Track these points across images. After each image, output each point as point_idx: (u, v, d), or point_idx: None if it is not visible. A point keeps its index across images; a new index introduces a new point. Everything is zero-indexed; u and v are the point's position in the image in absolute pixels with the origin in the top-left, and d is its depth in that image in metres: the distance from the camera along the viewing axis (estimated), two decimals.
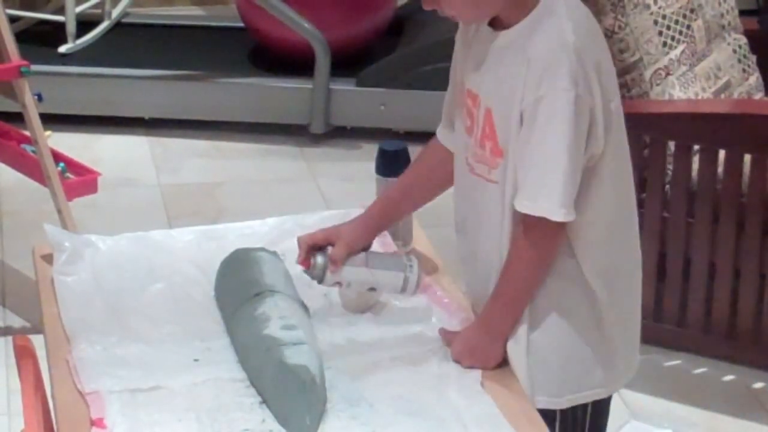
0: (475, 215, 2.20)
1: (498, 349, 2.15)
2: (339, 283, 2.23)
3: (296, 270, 2.39)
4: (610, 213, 2.17)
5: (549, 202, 2.05)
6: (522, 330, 2.15)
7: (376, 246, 2.48)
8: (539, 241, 2.10)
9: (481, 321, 2.17)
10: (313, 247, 2.24)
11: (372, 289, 2.25)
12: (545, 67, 2.02)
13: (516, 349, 2.15)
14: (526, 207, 2.07)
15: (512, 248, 2.12)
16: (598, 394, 2.23)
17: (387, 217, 2.34)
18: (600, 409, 2.26)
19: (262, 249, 2.38)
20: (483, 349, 2.15)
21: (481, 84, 2.12)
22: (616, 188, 2.17)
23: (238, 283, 2.27)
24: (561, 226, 2.08)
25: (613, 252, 2.20)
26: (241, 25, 5.17)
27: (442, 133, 2.31)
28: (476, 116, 2.13)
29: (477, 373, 2.13)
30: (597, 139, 2.07)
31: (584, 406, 2.22)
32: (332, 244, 2.23)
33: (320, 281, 2.23)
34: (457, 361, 2.14)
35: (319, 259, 2.22)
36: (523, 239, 2.10)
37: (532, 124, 2.04)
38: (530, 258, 2.11)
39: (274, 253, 2.38)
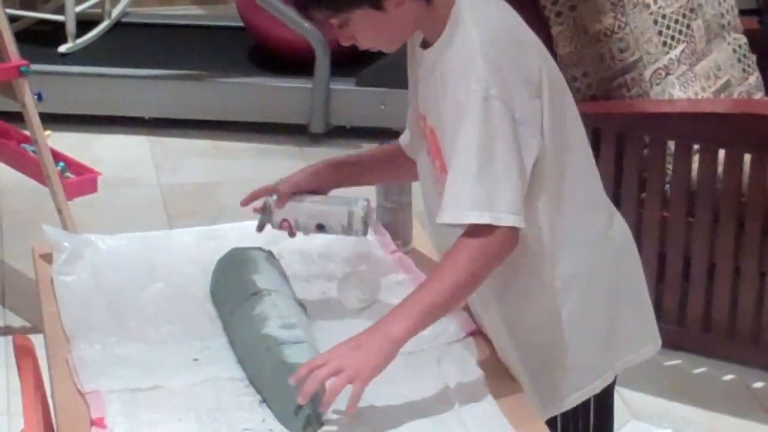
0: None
1: (381, 358, 1.96)
2: (286, 221, 2.31)
3: (292, 269, 2.39)
4: (558, 219, 2.10)
5: (457, 207, 1.98)
6: (505, 339, 2.14)
7: (376, 245, 2.48)
8: (472, 248, 1.99)
9: (379, 321, 2.02)
10: (262, 193, 2.36)
11: (320, 226, 2.30)
12: (455, 76, 1.99)
13: (507, 358, 2.14)
14: (440, 217, 2.00)
15: (446, 255, 2.04)
16: (598, 387, 2.21)
17: (338, 174, 2.41)
18: (603, 402, 2.25)
19: (258, 248, 2.38)
20: (365, 350, 1.96)
21: (424, 105, 2.15)
22: (565, 193, 2.10)
23: (235, 283, 2.27)
24: (493, 232, 1.98)
25: (579, 255, 2.14)
26: (241, 24, 5.17)
27: (403, 140, 2.35)
28: (427, 136, 2.13)
29: (479, 373, 2.13)
30: (527, 141, 2.01)
31: (585, 402, 2.21)
32: (279, 187, 2.34)
33: (268, 221, 2.33)
34: (320, 364, 1.95)
35: (268, 200, 2.33)
36: (457, 246, 2.01)
37: (449, 133, 2.01)
38: (459, 262, 2.00)
39: (270, 253, 2.38)
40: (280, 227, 2.35)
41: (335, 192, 2.38)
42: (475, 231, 1.98)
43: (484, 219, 1.97)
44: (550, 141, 2.04)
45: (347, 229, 2.30)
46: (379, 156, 2.41)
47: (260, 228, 2.38)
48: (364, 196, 2.33)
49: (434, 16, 2.05)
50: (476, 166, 1.97)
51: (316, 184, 2.38)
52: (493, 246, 1.99)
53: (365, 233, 2.31)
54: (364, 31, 2.10)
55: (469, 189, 1.98)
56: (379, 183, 2.47)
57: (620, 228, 2.24)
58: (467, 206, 1.98)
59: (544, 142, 2.03)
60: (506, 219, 1.97)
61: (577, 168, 2.14)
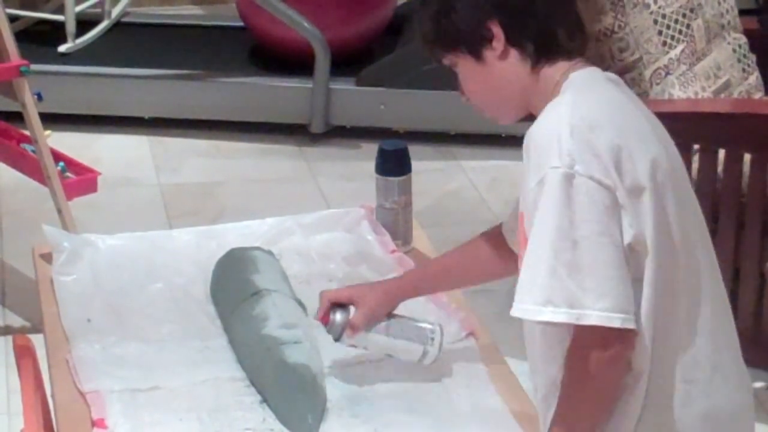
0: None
1: None
2: (355, 346, 2.13)
3: (292, 269, 2.39)
4: (653, 328, 1.83)
5: (531, 300, 1.78)
6: None
7: (376, 245, 2.48)
8: (579, 354, 1.80)
9: None
10: (335, 304, 2.11)
11: (389, 355, 2.13)
12: (540, 152, 1.80)
13: None
14: (513, 309, 1.81)
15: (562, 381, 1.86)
16: None
17: (419, 289, 2.19)
18: None
19: (258, 248, 2.38)
20: None
21: (520, 190, 1.95)
22: (659, 298, 1.83)
23: (235, 283, 2.27)
24: (602, 335, 1.76)
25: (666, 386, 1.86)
26: (241, 24, 5.17)
27: (506, 225, 2.14)
28: (519, 226, 1.94)
29: (481, 372, 2.13)
30: (625, 228, 1.79)
31: None
32: (355, 305, 2.10)
33: (336, 339, 2.13)
34: None
35: (338, 317, 2.11)
36: (569, 355, 1.82)
37: (531, 218, 1.83)
38: (577, 375, 1.81)
39: (270, 252, 2.38)
40: (348, 346, 2.15)
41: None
42: (585, 337, 1.79)
43: (559, 317, 1.76)
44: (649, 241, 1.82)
45: (417, 361, 2.12)
46: (469, 260, 2.18)
47: (336, 340, 2.14)
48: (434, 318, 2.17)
49: (541, 90, 1.90)
50: (553, 255, 1.76)
51: (393, 306, 2.13)
52: (601, 350, 1.78)
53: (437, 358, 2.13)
54: (467, 82, 1.96)
55: (544, 280, 1.77)
56: (472, 286, 2.26)
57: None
58: (539, 300, 1.77)
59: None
60: (593, 317, 1.75)
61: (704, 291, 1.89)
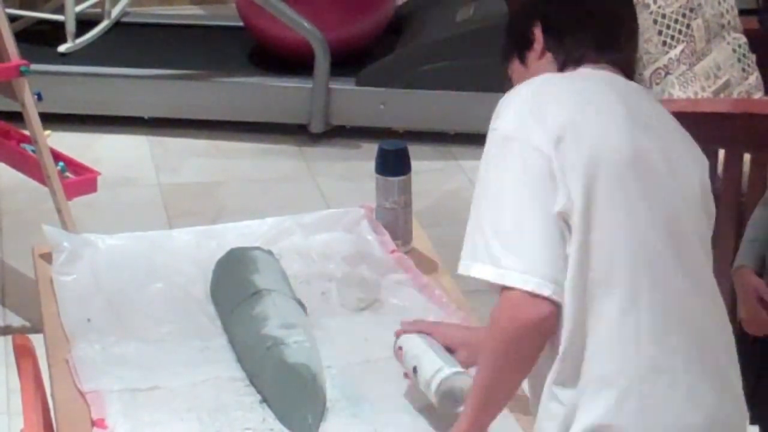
0: None
1: None
2: (401, 348, 2.07)
3: (292, 269, 2.39)
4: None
5: (465, 255, 1.81)
6: None
7: (375, 245, 2.48)
8: (496, 316, 1.79)
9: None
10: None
11: (415, 369, 2.03)
12: (494, 114, 1.88)
13: None
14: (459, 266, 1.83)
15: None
16: None
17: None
18: None
19: (257, 248, 2.38)
20: None
21: None
22: (580, 279, 1.79)
23: (235, 283, 2.27)
24: (513, 295, 1.75)
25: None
26: (241, 24, 5.17)
27: None
28: None
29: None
30: (557, 198, 1.78)
31: None
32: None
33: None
34: None
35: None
36: (491, 311, 1.81)
37: None
38: (492, 336, 1.80)
39: (269, 252, 2.38)
40: (395, 352, 2.10)
41: None
42: (502, 296, 1.78)
43: (487, 273, 1.78)
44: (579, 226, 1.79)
45: (431, 377, 2.00)
46: None
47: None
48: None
49: None
50: (482, 214, 1.81)
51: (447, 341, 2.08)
52: (512, 311, 1.76)
53: (440, 405, 1.99)
54: (515, 82, 1.99)
55: (478, 238, 1.80)
56: None
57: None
58: (469, 256, 1.81)
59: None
60: (514, 279, 1.76)
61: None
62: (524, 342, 1.78)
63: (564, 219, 1.78)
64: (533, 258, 1.76)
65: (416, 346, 2.05)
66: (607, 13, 2.00)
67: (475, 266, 1.79)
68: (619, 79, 1.95)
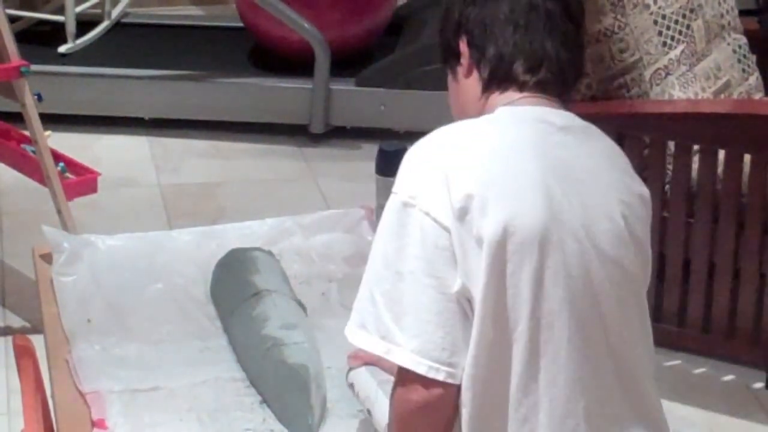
0: None
1: None
2: (351, 384, 2.04)
3: (292, 270, 2.39)
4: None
5: (352, 320, 1.74)
6: None
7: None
8: (392, 395, 1.75)
9: None
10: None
11: (369, 412, 1.98)
12: (399, 171, 1.79)
13: None
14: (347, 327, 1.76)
15: None
16: None
17: None
18: None
19: (258, 249, 2.38)
20: None
21: None
22: (480, 359, 1.69)
23: (235, 283, 2.27)
24: (410, 377, 1.68)
25: None
26: (241, 25, 5.17)
27: None
28: None
29: None
30: (457, 275, 1.68)
31: None
32: None
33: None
34: None
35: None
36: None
37: None
38: (391, 416, 1.75)
39: (270, 253, 2.38)
40: (348, 386, 2.05)
41: None
42: (397, 374, 1.72)
43: (374, 345, 1.70)
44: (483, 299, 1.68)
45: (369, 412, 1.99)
46: None
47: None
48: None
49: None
50: (376, 283, 1.71)
51: None
52: (405, 393, 1.70)
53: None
54: (449, 95, 1.94)
55: (369, 307, 1.71)
56: None
57: None
58: (358, 323, 1.73)
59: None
60: (405, 358, 1.68)
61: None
62: (419, 424, 1.70)
63: (465, 298, 1.68)
64: (427, 339, 1.67)
65: (367, 387, 1.99)
66: (532, 18, 1.84)
67: (361, 334, 1.72)
68: (544, 123, 1.79)
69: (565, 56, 1.84)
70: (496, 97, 1.84)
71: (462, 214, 1.68)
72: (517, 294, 1.68)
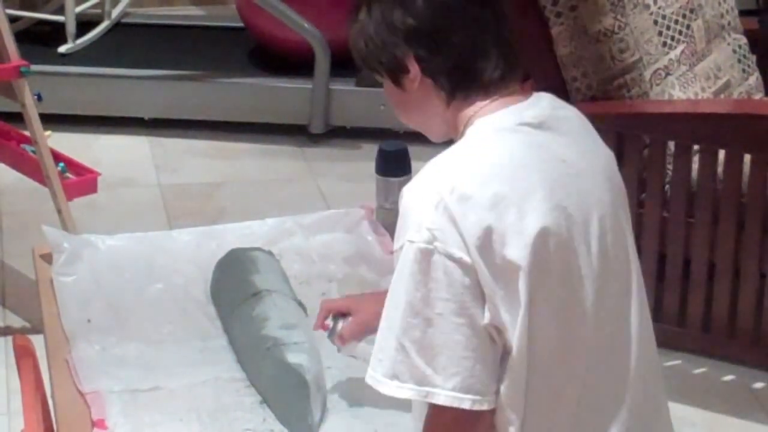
0: None
1: None
2: (354, 357, 2.10)
3: (293, 270, 2.39)
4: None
5: (377, 371, 1.73)
6: None
7: (376, 245, 2.48)
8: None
9: None
10: (335, 312, 2.10)
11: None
12: (404, 217, 1.73)
13: None
14: (367, 376, 1.76)
15: None
16: None
17: None
18: None
19: (258, 249, 2.38)
20: None
21: None
22: (527, 376, 1.74)
23: (235, 283, 2.27)
24: (453, 415, 1.71)
25: None
26: (241, 25, 5.17)
27: None
28: None
29: None
30: (486, 308, 1.70)
31: None
32: (351, 315, 2.08)
33: (338, 349, 2.10)
34: None
35: (339, 326, 2.09)
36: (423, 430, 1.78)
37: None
38: None
39: (270, 253, 2.38)
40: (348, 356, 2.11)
41: None
42: (434, 418, 1.74)
43: (405, 392, 1.71)
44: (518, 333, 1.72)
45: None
46: None
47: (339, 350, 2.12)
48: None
49: (456, 126, 1.83)
50: (402, 331, 1.70)
51: None
52: (442, 429, 1.73)
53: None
54: (390, 100, 1.90)
55: (398, 356, 1.71)
56: None
57: None
58: (387, 373, 1.72)
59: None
60: (441, 396, 1.70)
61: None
62: None
63: (494, 327, 1.71)
64: (467, 375, 1.69)
65: (368, 352, 1.94)
66: (465, 14, 1.80)
67: (393, 384, 1.72)
68: (523, 126, 1.78)
69: (506, 37, 1.82)
70: (464, 109, 1.81)
71: (483, 247, 1.68)
72: (552, 307, 1.72)
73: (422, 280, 1.69)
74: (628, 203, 1.90)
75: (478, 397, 1.70)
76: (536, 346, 1.72)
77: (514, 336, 1.70)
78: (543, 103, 1.84)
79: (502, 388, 1.73)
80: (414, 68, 1.81)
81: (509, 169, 1.74)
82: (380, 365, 1.73)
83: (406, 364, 1.71)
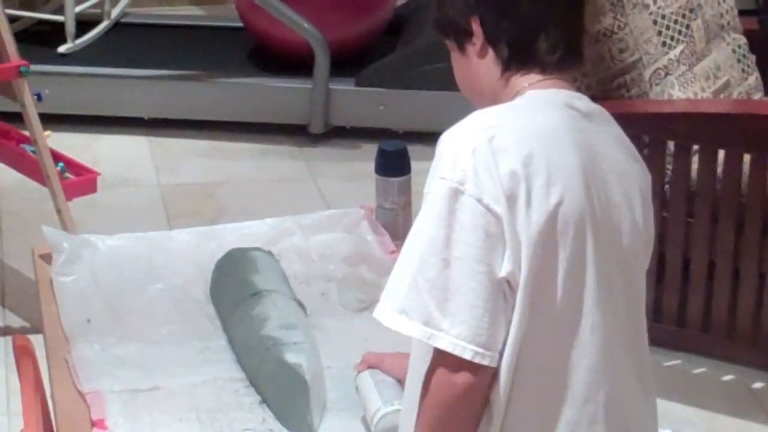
0: None
1: None
2: (356, 389, 2.06)
3: (292, 270, 2.39)
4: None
5: (390, 305, 1.71)
6: None
7: (376, 245, 2.48)
8: (434, 381, 1.72)
9: None
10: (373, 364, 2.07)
11: (365, 409, 2.03)
12: (439, 158, 1.73)
13: None
14: (375, 310, 1.74)
15: None
16: None
17: None
18: None
19: (257, 249, 2.38)
20: None
21: None
22: (523, 346, 1.72)
23: (235, 283, 2.27)
24: (454, 362, 1.68)
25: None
26: (241, 25, 5.17)
27: None
28: None
29: None
30: (505, 260, 1.68)
31: None
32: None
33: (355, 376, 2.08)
34: None
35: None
36: (425, 375, 1.74)
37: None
38: (428, 399, 1.73)
39: (269, 253, 2.38)
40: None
41: None
42: (436, 361, 1.71)
43: (415, 331, 1.69)
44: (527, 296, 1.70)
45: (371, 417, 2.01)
46: None
47: None
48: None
49: (506, 98, 1.82)
50: (419, 267, 1.69)
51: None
52: (449, 378, 1.69)
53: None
54: (454, 68, 1.89)
55: (410, 292, 1.69)
56: None
57: None
58: (397, 308, 1.70)
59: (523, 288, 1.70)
60: (444, 341, 1.68)
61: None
62: (461, 408, 1.71)
63: (508, 283, 1.69)
64: (475, 324, 1.67)
65: (365, 386, 2.04)
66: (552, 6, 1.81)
67: (400, 319, 1.69)
68: (572, 109, 1.80)
69: (577, 26, 1.84)
70: (517, 78, 1.82)
71: (512, 200, 1.68)
72: (554, 281, 1.71)
73: (448, 219, 1.68)
74: (651, 243, 1.88)
75: (480, 350, 1.67)
76: (533, 318, 1.71)
77: (517, 297, 1.69)
78: (590, 100, 1.86)
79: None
80: (478, 32, 1.81)
81: (548, 136, 1.74)
82: (391, 299, 1.71)
83: (417, 300, 1.68)
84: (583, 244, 1.73)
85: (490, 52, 1.82)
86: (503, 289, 1.69)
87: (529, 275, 1.69)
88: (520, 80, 1.82)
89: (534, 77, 1.81)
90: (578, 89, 1.85)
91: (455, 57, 1.88)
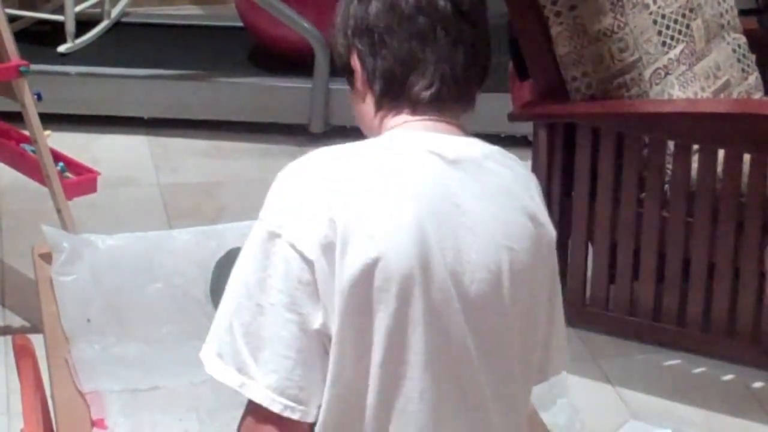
0: None
1: None
2: None
3: None
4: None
5: (207, 346, 1.66)
6: None
7: None
8: (242, 423, 1.68)
9: None
10: None
11: None
12: (268, 194, 1.68)
13: None
14: (202, 351, 1.68)
15: None
16: None
17: None
18: None
19: None
20: None
21: None
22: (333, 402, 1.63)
23: None
24: (263, 413, 1.61)
25: None
26: (241, 24, 5.18)
27: None
28: None
29: None
30: (319, 311, 1.60)
31: None
32: None
33: None
34: None
35: None
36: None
37: None
38: None
39: None
40: None
41: None
42: (247, 410, 1.65)
43: (229, 378, 1.63)
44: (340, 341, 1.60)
45: None
46: None
47: None
48: None
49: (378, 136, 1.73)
50: (234, 310, 1.62)
51: None
52: (253, 426, 1.64)
53: None
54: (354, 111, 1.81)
55: (224, 335, 1.63)
56: None
57: None
58: (214, 349, 1.64)
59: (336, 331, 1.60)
60: (254, 391, 1.61)
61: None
62: None
63: (327, 336, 1.60)
64: (285, 376, 1.59)
65: None
66: (421, 23, 1.69)
67: (216, 363, 1.64)
68: (435, 155, 1.65)
69: (462, 64, 1.70)
70: (388, 118, 1.72)
71: (327, 248, 1.58)
72: (371, 341, 1.60)
73: (262, 263, 1.61)
74: (547, 293, 1.74)
75: (291, 404, 1.60)
76: (339, 381, 1.61)
77: (330, 353, 1.60)
78: (474, 147, 1.71)
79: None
80: (357, 68, 1.74)
81: (385, 185, 1.62)
82: (210, 339, 1.66)
83: (231, 345, 1.62)
84: (407, 304, 1.59)
85: (369, 90, 1.74)
86: (322, 341, 1.61)
87: (342, 330, 1.59)
88: (391, 121, 1.72)
89: (403, 117, 1.71)
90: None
91: (352, 100, 1.80)
